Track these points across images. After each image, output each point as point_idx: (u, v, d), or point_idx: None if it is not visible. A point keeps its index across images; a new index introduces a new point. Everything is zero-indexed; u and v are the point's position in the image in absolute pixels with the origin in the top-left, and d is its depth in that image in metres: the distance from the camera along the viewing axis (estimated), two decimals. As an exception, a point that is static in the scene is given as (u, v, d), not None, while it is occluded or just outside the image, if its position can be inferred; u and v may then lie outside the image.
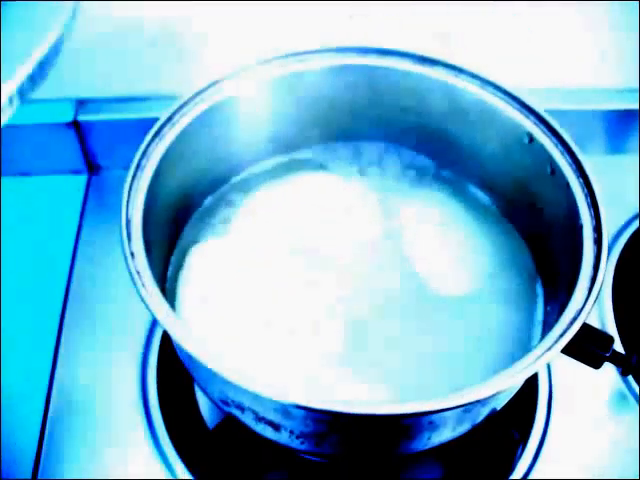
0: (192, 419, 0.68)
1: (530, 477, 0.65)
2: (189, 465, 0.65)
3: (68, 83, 0.82)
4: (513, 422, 0.68)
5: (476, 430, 0.57)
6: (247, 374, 0.46)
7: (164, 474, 0.65)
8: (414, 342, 0.60)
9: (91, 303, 0.76)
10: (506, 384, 0.47)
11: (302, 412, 0.48)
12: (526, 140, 0.62)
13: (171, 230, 0.65)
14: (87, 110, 0.83)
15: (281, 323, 0.60)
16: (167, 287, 0.63)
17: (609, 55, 0.84)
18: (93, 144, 0.85)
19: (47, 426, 0.67)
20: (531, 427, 0.67)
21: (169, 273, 0.64)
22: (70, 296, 0.77)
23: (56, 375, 0.71)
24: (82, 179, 0.87)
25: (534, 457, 0.66)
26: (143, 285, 0.51)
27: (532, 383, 0.70)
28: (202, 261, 0.64)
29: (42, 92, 0.82)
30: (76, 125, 0.82)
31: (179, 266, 0.64)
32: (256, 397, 0.47)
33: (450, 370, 0.59)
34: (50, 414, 0.68)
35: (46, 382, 0.70)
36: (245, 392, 0.46)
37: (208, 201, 0.70)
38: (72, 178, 0.87)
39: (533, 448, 0.66)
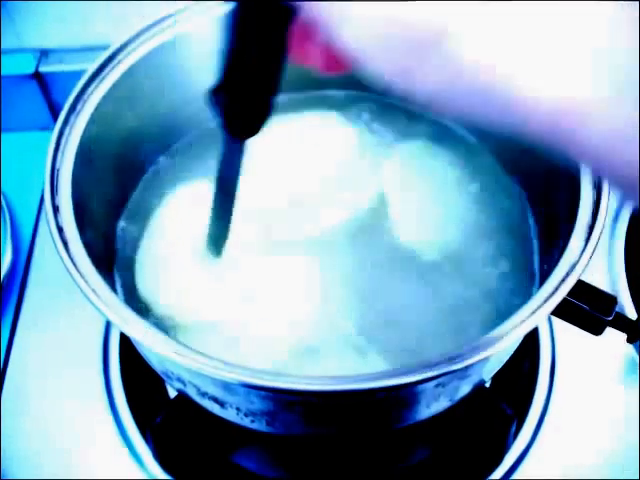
0: (154, 394, 0.62)
1: (526, 461, 0.57)
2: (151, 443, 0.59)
3: (29, 32, 0.76)
4: (509, 397, 0.60)
5: (468, 405, 0.51)
6: (164, 340, 0.40)
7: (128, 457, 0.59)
8: (392, 308, 0.53)
9: (55, 267, 0.70)
10: (472, 359, 0.39)
11: (241, 387, 0.42)
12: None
13: (123, 184, 0.59)
14: (50, 61, 0.76)
15: (254, 285, 0.53)
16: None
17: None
18: (58, 97, 0.78)
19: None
20: (529, 403, 0.59)
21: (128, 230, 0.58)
22: (33, 261, 0.71)
23: (14, 341, 0.66)
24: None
25: (530, 440, 0.58)
26: (64, 243, 0.45)
27: (532, 351, 0.62)
28: (167, 217, 0.58)
29: (1, 42, 0.77)
30: (38, 77, 0.76)
31: (141, 224, 0.58)
32: (178, 365, 0.41)
33: (434, 338, 0.52)
34: (5, 385, 0.63)
35: (2, 354, 0.65)
36: (166, 359, 0.39)
37: (171, 150, 0.63)
38: (40, 135, 0.81)
39: (530, 430, 0.58)
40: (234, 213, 0.47)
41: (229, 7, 0.32)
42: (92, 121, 0.51)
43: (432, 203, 0.58)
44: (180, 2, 0.57)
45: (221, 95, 0.36)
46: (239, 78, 0.35)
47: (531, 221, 0.57)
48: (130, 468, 0.58)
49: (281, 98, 0.62)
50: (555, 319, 0.51)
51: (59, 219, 0.46)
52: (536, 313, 0.41)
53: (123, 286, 0.55)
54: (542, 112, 0.26)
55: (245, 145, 0.42)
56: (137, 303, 0.53)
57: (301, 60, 0.34)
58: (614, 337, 0.52)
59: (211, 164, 0.59)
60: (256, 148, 0.58)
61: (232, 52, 0.34)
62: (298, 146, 0.60)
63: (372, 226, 0.57)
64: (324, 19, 0.27)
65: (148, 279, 0.55)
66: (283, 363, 0.49)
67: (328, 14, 0.27)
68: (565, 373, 0.61)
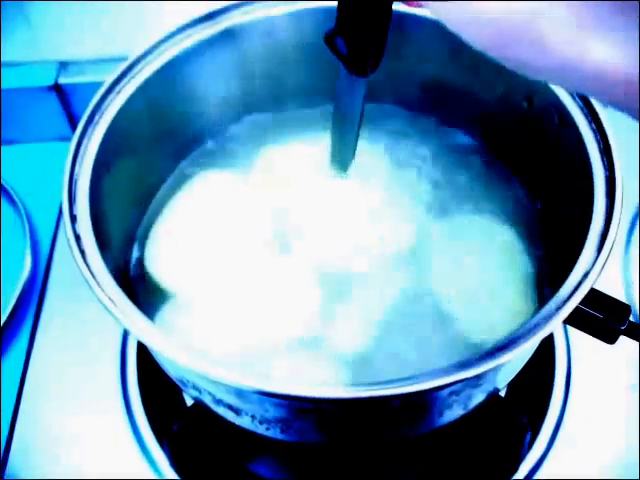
0: (171, 402, 0.63)
1: (542, 470, 0.57)
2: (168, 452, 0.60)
3: (49, 45, 0.77)
4: (525, 406, 0.60)
5: (483, 414, 0.51)
6: (186, 349, 0.40)
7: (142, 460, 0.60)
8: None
9: (73, 275, 0.71)
10: (483, 367, 0.39)
11: (255, 394, 0.42)
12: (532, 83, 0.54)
13: (140, 193, 0.60)
14: (69, 73, 0.77)
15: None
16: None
17: None
18: (77, 108, 0.79)
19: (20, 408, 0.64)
20: (545, 412, 0.59)
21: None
22: (52, 269, 0.72)
23: (34, 347, 0.67)
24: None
25: (545, 449, 0.58)
26: (82, 252, 0.45)
27: (548, 360, 0.62)
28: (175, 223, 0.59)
29: (21, 55, 0.78)
30: (57, 88, 0.77)
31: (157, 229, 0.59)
32: (193, 373, 0.41)
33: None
34: (25, 391, 0.64)
35: (22, 360, 0.66)
36: (180, 367, 0.40)
37: (187, 160, 0.64)
38: (60, 145, 0.82)
39: (545, 439, 0.58)
40: (357, 138, 0.54)
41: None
42: (110, 132, 0.52)
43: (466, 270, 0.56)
44: (196, 14, 0.57)
45: (339, 39, 0.43)
46: (355, 23, 0.41)
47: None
48: (147, 475, 0.59)
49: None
50: (571, 328, 0.51)
51: (76, 228, 0.46)
52: (548, 322, 0.41)
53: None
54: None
55: (365, 80, 0.48)
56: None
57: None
58: (630, 346, 0.52)
59: (227, 173, 0.61)
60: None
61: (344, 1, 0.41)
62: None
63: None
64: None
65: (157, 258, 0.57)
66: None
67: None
68: (581, 382, 0.61)
